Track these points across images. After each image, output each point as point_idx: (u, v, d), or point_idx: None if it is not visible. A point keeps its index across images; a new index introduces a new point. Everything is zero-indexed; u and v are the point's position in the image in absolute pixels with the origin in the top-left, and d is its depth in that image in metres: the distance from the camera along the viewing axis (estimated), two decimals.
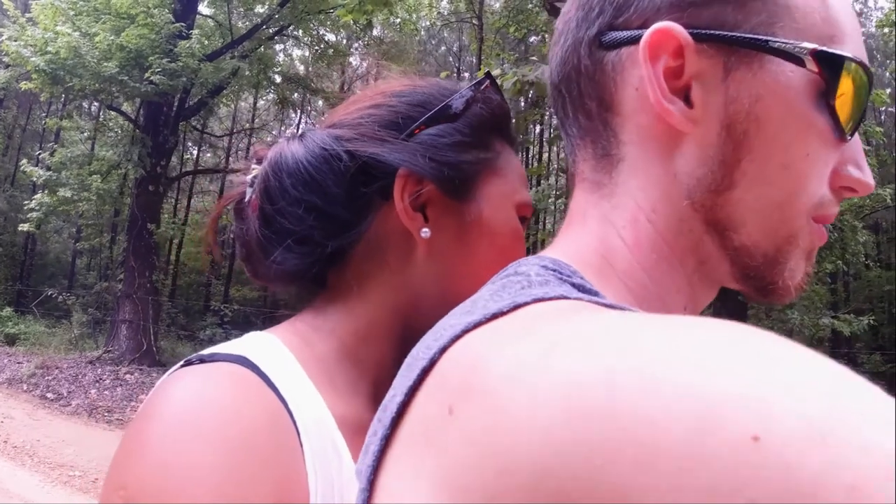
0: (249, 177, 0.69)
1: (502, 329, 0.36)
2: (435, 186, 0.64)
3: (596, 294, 0.41)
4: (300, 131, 0.69)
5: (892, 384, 12.89)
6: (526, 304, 0.37)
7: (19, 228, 13.44)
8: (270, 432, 0.51)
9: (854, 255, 10.20)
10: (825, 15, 0.44)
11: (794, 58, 0.42)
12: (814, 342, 13.66)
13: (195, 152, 21.69)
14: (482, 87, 0.69)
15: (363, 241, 0.66)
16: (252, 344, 0.59)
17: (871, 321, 9.42)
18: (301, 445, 0.53)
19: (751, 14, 0.43)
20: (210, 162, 21.14)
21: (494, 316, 0.37)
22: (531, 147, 17.86)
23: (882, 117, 18.81)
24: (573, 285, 0.41)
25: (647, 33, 0.43)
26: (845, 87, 0.43)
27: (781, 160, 0.44)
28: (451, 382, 0.34)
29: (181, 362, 0.56)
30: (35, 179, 12.70)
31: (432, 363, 0.37)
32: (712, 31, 0.43)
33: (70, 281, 19.80)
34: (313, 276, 0.67)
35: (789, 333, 12.18)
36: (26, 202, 12.65)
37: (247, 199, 0.68)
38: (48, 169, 12.77)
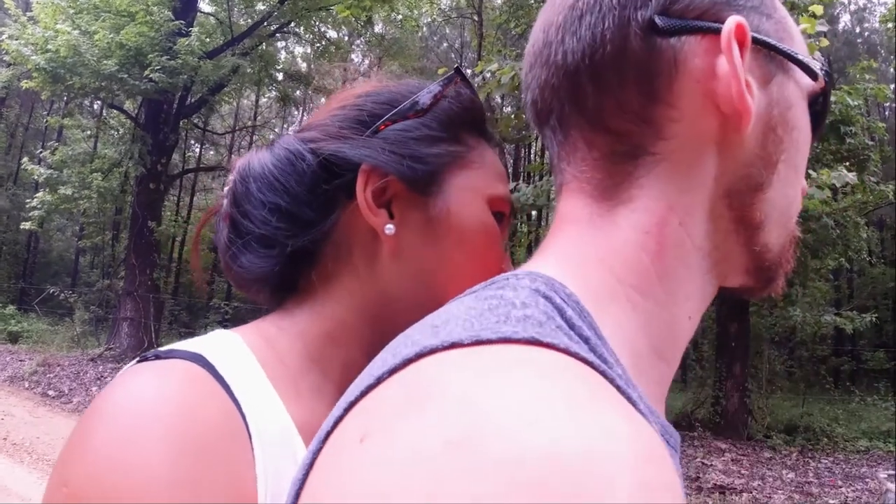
0: (226, 189, 0.68)
1: (448, 368, 0.33)
2: (398, 180, 0.63)
3: (582, 335, 0.38)
4: (271, 139, 0.70)
5: None
6: (490, 341, 0.34)
7: (22, 226, 13.53)
8: (220, 434, 0.49)
9: (857, 252, 10.14)
10: (801, 39, 0.49)
11: (810, 71, 0.47)
12: (816, 339, 13.63)
13: (197, 150, 21.76)
14: (452, 83, 0.68)
15: (330, 242, 0.65)
16: (213, 343, 0.57)
17: (875, 318, 9.34)
18: (252, 449, 0.51)
19: (778, 30, 0.47)
20: (213, 160, 21.21)
21: (453, 345, 0.34)
22: (533, 144, 17.82)
23: (886, 113, 18.69)
24: (563, 319, 0.38)
25: (730, 24, 0.43)
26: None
27: (796, 162, 0.47)
28: (378, 410, 0.33)
29: (137, 358, 0.55)
30: (37, 178, 12.76)
31: (378, 381, 0.35)
32: (763, 37, 0.45)
33: (73, 279, 19.99)
34: (282, 280, 0.65)
35: (792, 330, 12.14)
36: (28, 200, 12.71)
37: (223, 211, 0.68)
38: (49, 167, 12.83)
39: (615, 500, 0.24)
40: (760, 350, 11.00)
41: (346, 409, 0.35)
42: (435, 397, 0.30)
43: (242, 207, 0.64)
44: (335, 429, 0.35)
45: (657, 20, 0.43)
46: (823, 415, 10.75)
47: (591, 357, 0.34)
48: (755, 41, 0.44)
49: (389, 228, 0.63)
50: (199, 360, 0.53)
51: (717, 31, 0.43)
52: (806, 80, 0.47)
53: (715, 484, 6.95)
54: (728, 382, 9.51)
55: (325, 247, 0.65)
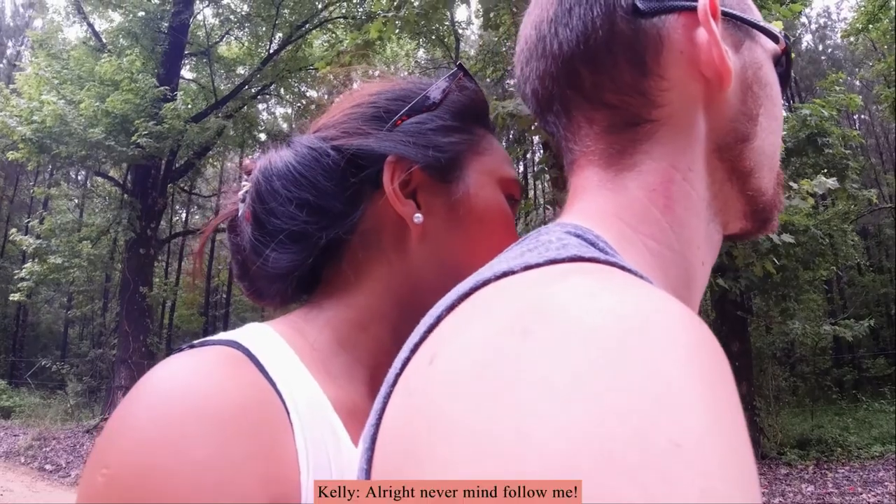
0: (241, 193, 0.69)
1: (505, 287, 0.36)
2: (421, 169, 0.66)
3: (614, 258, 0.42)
4: (288, 139, 0.71)
5: None
6: (538, 265, 0.37)
7: (10, 299, 13.32)
8: (258, 410, 0.50)
9: (846, 260, 10.26)
10: (757, 10, 0.56)
11: (774, 36, 0.54)
12: (817, 352, 13.64)
13: (184, 214, 21.76)
14: (457, 78, 0.72)
15: (358, 233, 0.66)
16: (245, 331, 0.59)
17: (871, 325, 9.40)
18: (291, 424, 0.52)
19: (739, 3, 0.54)
20: (199, 223, 21.18)
21: (505, 274, 0.37)
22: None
23: (857, 124, 19.27)
24: (598, 250, 0.42)
25: (705, 0, 0.48)
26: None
27: (774, 114, 0.54)
28: (443, 335, 0.35)
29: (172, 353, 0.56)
30: (25, 248, 12.67)
31: (438, 320, 0.37)
32: (730, 10, 0.52)
33: (63, 350, 19.52)
34: (309, 275, 0.67)
35: (792, 345, 12.14)
36: (16, 272, 12.58)
37: (240, 214, 0.69)
38: (38, 237, 12.75)
39: (677, 347, 0.28)
40: (764, 368, 10.97)
41: (413, 350, 0.37)
42: (499, 305, 0.34)
43: (268, 205, 0.65)
44: (404, 369, 0.37)
45: (639, 4, 0.49)
46: (833, 426, 10.68)
47: (629, 266, 0.39)
48: (724, 14, 0.50)
49: (418, 217, 0.65)
50: (232, 344, 0.54)
51: (692, 8, 0.49)
52: (769, 44, 0.54)
53: None
54: None
55: (353, 238, 0.66)
